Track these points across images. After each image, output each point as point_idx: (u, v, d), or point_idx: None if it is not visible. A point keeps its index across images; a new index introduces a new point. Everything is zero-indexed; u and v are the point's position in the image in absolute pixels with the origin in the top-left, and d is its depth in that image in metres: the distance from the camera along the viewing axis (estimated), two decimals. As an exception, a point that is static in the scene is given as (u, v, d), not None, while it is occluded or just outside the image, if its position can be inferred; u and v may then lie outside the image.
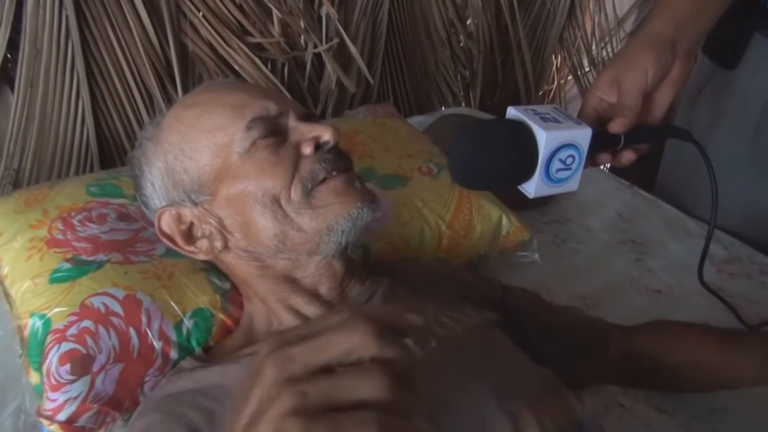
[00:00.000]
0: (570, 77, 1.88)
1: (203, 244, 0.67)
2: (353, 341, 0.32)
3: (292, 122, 0.67)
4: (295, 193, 0.63)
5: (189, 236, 0.67)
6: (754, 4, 0.99)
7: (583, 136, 0.60)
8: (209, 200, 0.65)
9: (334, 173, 0.64)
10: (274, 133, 0.65)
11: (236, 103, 0.66)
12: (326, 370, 0.32)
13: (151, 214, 0.71)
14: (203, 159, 0.65)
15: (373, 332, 0.32)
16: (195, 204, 0.66)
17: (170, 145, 0.67)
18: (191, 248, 0.67)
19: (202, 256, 0.68)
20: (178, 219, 0.67)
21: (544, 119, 0.60)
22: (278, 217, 0.63)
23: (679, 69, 0.67)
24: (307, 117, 0.69)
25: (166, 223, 0.67)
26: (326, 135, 0.65)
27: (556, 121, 0.60)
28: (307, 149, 0.64)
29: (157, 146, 0.68)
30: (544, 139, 0.58)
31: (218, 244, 0.66)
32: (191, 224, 0.67)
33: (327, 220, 0.63)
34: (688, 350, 0.76)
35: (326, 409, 0.30)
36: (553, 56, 1.84)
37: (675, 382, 0.78)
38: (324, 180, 0.64)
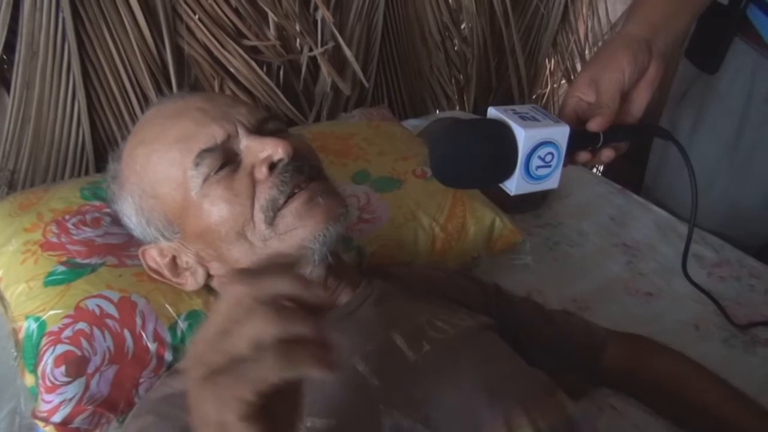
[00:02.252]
0: (563, 81, 1.89)
1: (186, 277, 0.68)
2: (231, 301, 0.34)
3: (243, 142, 0.62)
4: (259, 224, 0.61)
5: (174, 268, 0.68)
6: (735, 8, 1.01)
7: (561, 133, 0.62)
8: (180, 236, 0.65)
9: (295, 191, 0.61)
10: (225, 162, 0.61)
11: (181, 137, 0.62)
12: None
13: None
14: (165, 197, 0.64)
15: (245, 286, 0.34)
16: (169, 240, 0.66)
17: (132, 186, 0.66)
18: (178, 280, 0.68)
19: (188, 288, 0.69)
20: (161, 253, 0.67)
21: (523, 118, 0.61)
22: (247, 249, 0.62)
23: (655, 69, 0.69)
24: (262, 124, 0.65)
25: (152, 258, 0.68)
26: (278, 153, 0.60)
27: (535, 119, 0.62)
28: (261, 174, 0.61)
29: (122, 186, 0.68)
30: (523, 136, 0.59)
31: (200, 273, 0.67)
32: (174, 257, 0.67)
33: (295, 245, 0.61)
34: (688, 386, 0.76)
35: (231, 364, 0.32)
36: (547, 60, 1.86)
37: (667, 413, 0.79)
38: (285, 203, 0.61)
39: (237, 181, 0.61)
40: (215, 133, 0.62)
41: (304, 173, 0.62)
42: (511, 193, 0.63)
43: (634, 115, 0.70)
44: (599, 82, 0.66)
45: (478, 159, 0.61)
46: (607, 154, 0.67)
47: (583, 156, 0.67)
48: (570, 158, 0.65)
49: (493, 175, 0.63)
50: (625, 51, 0.67)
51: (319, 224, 0.61)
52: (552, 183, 0.64)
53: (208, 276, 0.68)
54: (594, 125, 0.64)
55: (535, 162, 0.61)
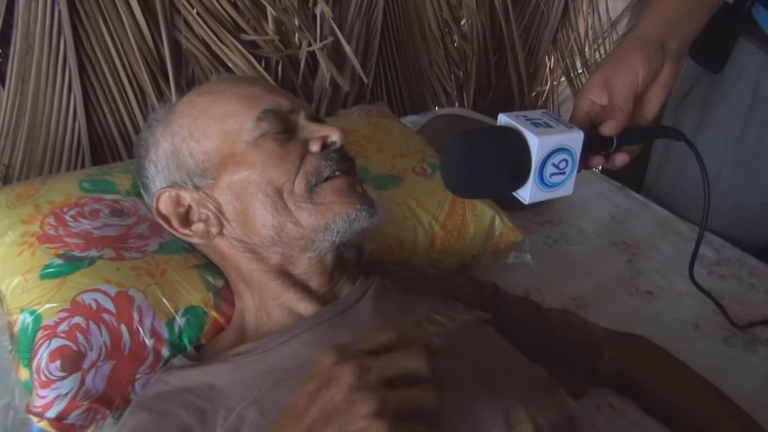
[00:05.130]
0: (563, 79, 1.89)
1: (199, 227, 0.68)
2: (416, 364, 0.40)
3: (302, 120, 0.68)
4: (299, 186, 0.64)
5: (185, 219, 0.68)
6: (740, 8, 1.01)
7: (575, 139, 0.60)
8: (211, 185, 0.66)
9: (338, 173, 0.66)
10: (283, 127, 0.66)
11: (250, 95, 0.68)
12: (389, 384, 0.39)
13: (149, 198, 0.71)
14: (210, 144, 0.66)
15: (428, 359, 0.40)
16: (196, 188, 0.67)
17: (180, 128, 0.68)
18: (186, 231, 0.68)
19: (196, 240, 0.69)
20: (177, 201, 0.68)
21: (535, 124, 0.60)
22: (278, 209, 0.64)
23: (669, 70, 0.67)
24: (316, 119, 0.70)
25: (164, 204, 0.68)
26: (334, 136, 0.66)
27: (548, 125, 0.60)
28: (315, 147, 0.66)
29: (166, 128, 0.69)
30: (536, 144, 0.58)
31: (214, 230, 0.67)
32: (189, 207, 0.68)
33: (325, 218, 0.64)
34: (684, 398, 0.76)
35: (401, 416, 0.38)
36: (547, 58, 1.85)
37: (659, 419, 0.79)
38: (328, 178, 0.65)
39: (290, 146, 0.66)
40: (282, 103, 0.68)
41: (347, 164, 0.68)
42: (525, 202, 0.61)
43: (647, 118, 0.68)
44: (612, 84, 0.65)
45: (490, 169, 0.60)
46: (621, 158, 0.65)
47: (597, 160, 0.65)
48: (584, 163, 0.63)
49: (506, 185, 0.61)
50: (638, 52, 0.65)
51: (355, 205, 0.65)
52: (566, 190, 0.62)
53: (220, 234, 0.67)
54: (608, 129, 0.62)
55: (549, 169, 0.60)
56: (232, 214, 0.66)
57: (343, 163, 0.67)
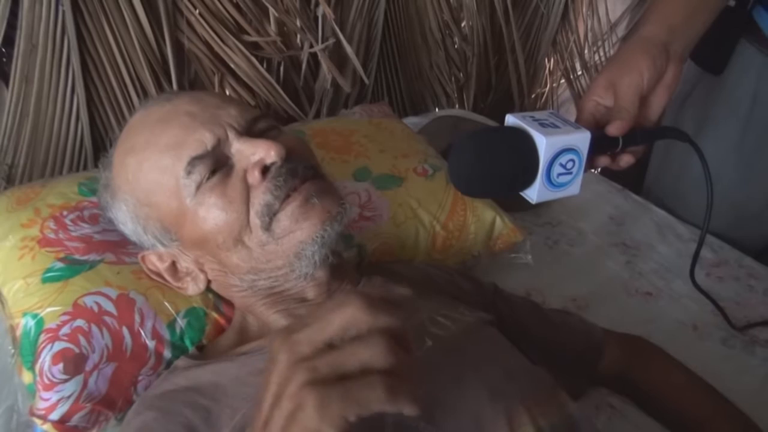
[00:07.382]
0: (563, 80, 1.89)
1: (187, 282, 0.68)
2: (348, 317, 0.36)
3: (234, 146, 0.61)
4: (255, 229, 0.60)
5: (175, 272, 0.68)
6: (741, 10, 1.01)
7: (582, 140, 0.61)
8: (178, 243, 0.65)
9: (290, 194, 0.60)
10: (216, 167, 0.60)
11: (170, 144, 0.61)
12: (332, 347, 0.36)
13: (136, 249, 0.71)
14: (160, 205, 0.63)
15: (364, 305, 0.36)
16: (167, 246, 0.66)
17: (125, 194, 0.66)
18: (179, 284, 0.69)
19: (190, 293, 0.69)
20: (160, 258, 0.67)
21: (542, 125, 0.60)
22: (246, 254, 0.62)
23: (673, 72, 0.68)
24: (252, 124, 0.64)
25: (151, 263, 0.68)
26: (270, 156, 0.59)
27: (555, 126, 0.61)
28: (254, 179, 0.60)
29: (115, 195, 0.67)
30: (544, 144, 0.58)
31: (201, 279, 0.67)
32: (173, 261, 0.67)
33: (293, 248, 0.60)
34: (682, 398, 0.77)
35: (336, 378, 0.35)
36: (546, 59, 1.85)
37: (658, 419, 0.79)
38: (281, 206, 0.60)
39: (230, 187, 0.60)
40: (205, 139, 0.60)
41: (298, 175, 0.61)
42: (533, 202, 0.62)
43: (651, 119, 0.69)
44: (618, 85, 0.66)
45: (498, 169, 0.60)
46: (627, 159, 0.66)
47: (603, 161, 0.66)
48: (589, 163, 0.64)
49: (513, 185, 0.62)
50: (643, 54, 0.66)
51: (316, 226, 0.60)
52: (573, 190, 0.63)
53: (209, 282, 0.68)
54: (614, 130, 0.63)
55: (557, 169, 0.60)
56: (209, 264, 0.66)
57: (292, 179, 0.60)
